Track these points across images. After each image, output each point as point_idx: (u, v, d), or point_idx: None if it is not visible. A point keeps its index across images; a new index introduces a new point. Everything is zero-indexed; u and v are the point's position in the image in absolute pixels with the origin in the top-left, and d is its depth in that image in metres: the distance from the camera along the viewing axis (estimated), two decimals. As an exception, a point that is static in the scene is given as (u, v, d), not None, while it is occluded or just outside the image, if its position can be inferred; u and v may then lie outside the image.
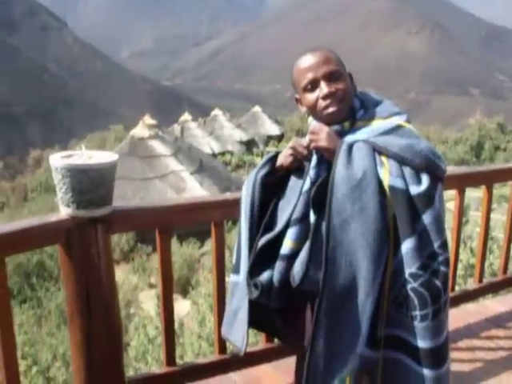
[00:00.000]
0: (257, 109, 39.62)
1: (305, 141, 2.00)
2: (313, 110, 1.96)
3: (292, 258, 1.95)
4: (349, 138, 1.92)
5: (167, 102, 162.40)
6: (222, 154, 30.90)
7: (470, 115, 38.30)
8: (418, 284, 1.83)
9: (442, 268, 1.86)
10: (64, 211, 2.26)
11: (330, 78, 1.91)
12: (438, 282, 1.85)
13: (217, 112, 36.66)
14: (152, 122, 18.55)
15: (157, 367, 5.60)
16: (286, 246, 1.96)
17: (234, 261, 2.19)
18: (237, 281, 2.17)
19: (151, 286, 12.30)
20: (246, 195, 2.12)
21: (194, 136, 31.26)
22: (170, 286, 2.63)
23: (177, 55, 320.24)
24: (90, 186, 2.19)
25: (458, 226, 3.73)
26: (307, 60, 1.95)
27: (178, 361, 2.93)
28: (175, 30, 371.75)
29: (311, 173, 1.94)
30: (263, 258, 2.02)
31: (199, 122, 35.83)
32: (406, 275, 1.84)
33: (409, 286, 1.84)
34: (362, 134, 1.92)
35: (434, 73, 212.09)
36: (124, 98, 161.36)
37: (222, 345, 2.89)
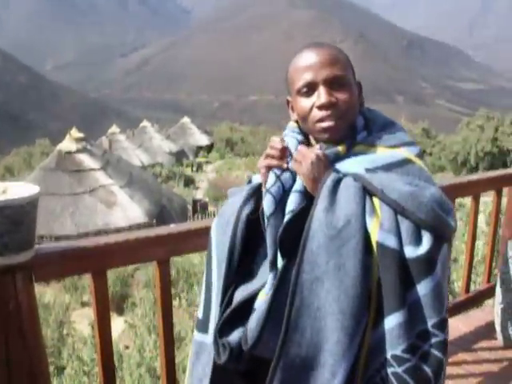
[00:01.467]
0: (185, 119, 39.69)
1: (277, 141, 1.60)
2: (304, 120, 1.56)
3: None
4: (340, 166, 1.52)
5: (94, 114, 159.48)
6: (152, 165, 30.43)
7: (396, 122, 39.22)
8: (402, 370, 1.40)
9: (436, 352, 1.42)
10: (-26, 259, 1.80)
11: (333, 84, 1.50)
12: (428, 370, 1.41)
13: (145, 123, 36.33)
14: (79, 135, 18.00)
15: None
16: (261, 298, 1.55)
17: (200, 315, 1.75)
18: (203, 341, 1.72)
19: (83, 304, 11.85)
20: (221, 236, 1.68)
21: (122, 148, 30.70)
22: (110, 334, 2.20)
23: (103, 66, 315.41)
24: (6, 226, 1.74)
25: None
26: (309, 56, 1.52)
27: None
28: (100, 40, 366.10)
29: (291, 198, 1.51)
30: (235, 314, 1.60)
31: (128, 134, 35.40)
32: (388, 356, 1.41)
33: (390, 370, 1.41)
34: (356, 164, 1.51)
35: (360, 81, 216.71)
36: (50, 111, 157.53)
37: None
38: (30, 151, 36.45)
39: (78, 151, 17.50)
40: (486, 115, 34.01)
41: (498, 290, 3.70)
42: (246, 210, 1.65)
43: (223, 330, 1.60)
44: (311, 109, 1.51)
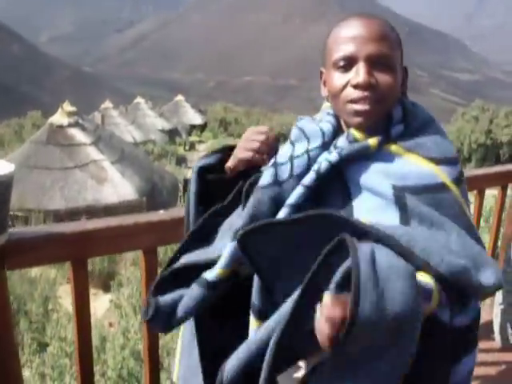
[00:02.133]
0: (180, 98, 39.46)
1: (264, 131, 1.41)
2: (335, 98, 1.34)
3: (214, 288, 1.34)
4: (364, 169, 1.29)
5: (88, 88, 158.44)
6: (144, 143, 30.24)
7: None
8: None
9: None
10: None
11: (376, 62, 1.28)
12: None
13: (139, 100, 36.06)
14: (72, 109, 17.77)
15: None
16: (214, 272, 1.35)
17: None
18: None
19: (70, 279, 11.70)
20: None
21: (115, 124, 30.44)
22: (89, 328, 2.02)
23: (98, 41, 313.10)
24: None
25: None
26: (354, 26, 1.31)
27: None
28: (96, 14, 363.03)
29: (297, 191, 1.29)
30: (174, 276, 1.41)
31: (121, 109, 35.12)
32: None
33: None
34: (383, 176, 1.28)
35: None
36: (43, 84, 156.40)
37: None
38: (21, 123, 36.05)
39: (70, 125, 17.28)
40: (481, 106, 33.97)
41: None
42: (200, 163, 1.48)
43: (158, 288, 1.41)
44: (345, 86, 1.31)
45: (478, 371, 3.32)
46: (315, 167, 1.30)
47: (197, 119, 38.34)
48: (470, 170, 7.60)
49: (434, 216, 1.23)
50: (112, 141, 19.04)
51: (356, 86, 1.29)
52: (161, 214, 2.05)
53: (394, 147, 1.33)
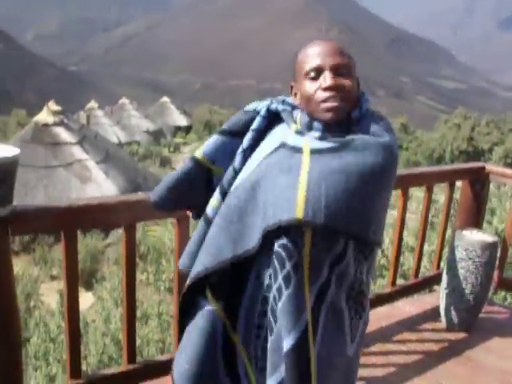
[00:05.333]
0: (165, 99, 39.37)
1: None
2: (308, 102, 1.70)
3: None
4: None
5: (73, 88, 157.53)
6: (129, 143, 30.35)
7: (376, 115, 39.61)
8: None
9: None
10: (-43, 211, 1.98)
11: (338, 70, 1.68)
12: None
13: (124, 101, 36.02)
14: (57, 108, 17.88)
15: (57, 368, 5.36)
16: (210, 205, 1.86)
17: None
18: None
19: (53, 277, 11.87)
20: None
21: (100, 124, 30.53)
22: (76, 292, 2.39)
23: (84, 40, 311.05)
24: (-12, 183, 1.93)
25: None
26: (318, 46, 1.71)
27: (83, 368, 2.72)
28: (83, 13, 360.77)
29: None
30: None
31: (106, 110, 35.15)
32: None
33: None
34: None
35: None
36: (28, 83, 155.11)
37: (131, 355, 2.70)
38: (6, 121, 36.01)
39: (55, 124, 17.33)
40: (464, 114, 34.55)
41: (445, 276, 3.96)
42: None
43: None
44: (316, 90, 1.67)
45: (423, 347, 3.72)
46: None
47: (182, 121, 38.33)
48: (419, 168, 8.12)
49: None
50: (97, 141, 19.14)
51: (325, 89, 1.66)
52: (139, 195, 2.45)
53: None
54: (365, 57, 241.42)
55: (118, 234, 14.24)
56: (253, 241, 1.64)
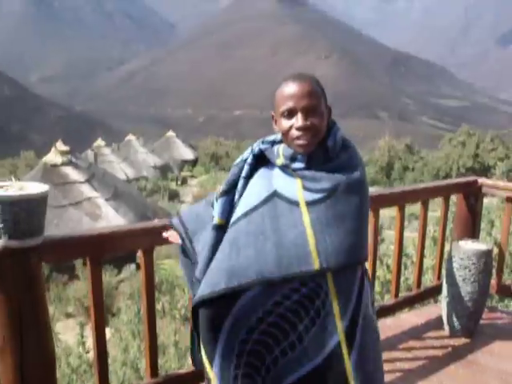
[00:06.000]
0: (170, 133, 39.60)
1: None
2: (285, 136, 2.01)
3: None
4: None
5: (79, 127, 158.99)
6: (137, 179, 30.63)
7: (379, 137, 39.79)
8: None
9: None
10: (-4, 242, 2.27)
11: (308, 111, 1.96)
12: None
13: (130, 137, 36.36)
14: (65, 148, 18.10)
15: None
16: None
17: None
18: None
19: (68, 315, 12.02)
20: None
21: (107, 162, 30.85)
22: (102, 315, 2.65)
23: (88, 80, 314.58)
24: (22, 216, 2.21)
25: (374, 245, 3.95)
26: (292, 88, 1.97)
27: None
28: (86, 53, 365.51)
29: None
30: None
31: (113, 147, 35.46)
32: None
33: None
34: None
35: (344, 96, 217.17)
36: (34, 124, 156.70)
37: (154, 368, 2.93)
38: (15, 163, 36.45)
39: (64, 164, 17.54)
40: (467, 131, 34.75)
41: (445, 285, 4.17)
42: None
43: None
44: (290, 128, 1.98)
45: (427, 354, 3.92)
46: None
47: (188, 154, 38.48)
48: (414, 185, 8.38)
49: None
50: (105, 178, 19.34)
51: (298, 129, 1.96)
52: (155, 222, 2.72)
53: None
54: (365, 80, 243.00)
55: (131, 269, 14.46)
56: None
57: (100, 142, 33.21)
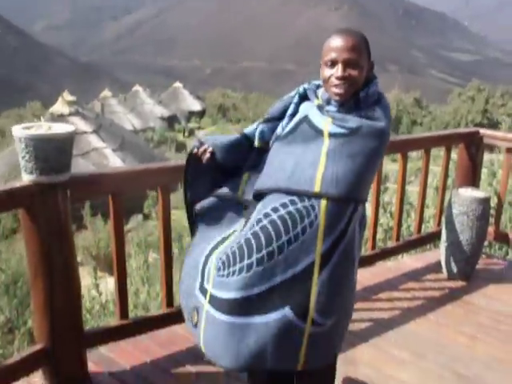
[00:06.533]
0: (177, 84, 39.38)
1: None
2: (325, 82, 2.23)
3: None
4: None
5: (86, 77, 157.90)
6: (144, 130, 30.71)
7: (388, 91, 39.50)
8: None
9: None
10: (27, 178, 2.46)
11: (348, 63, 2.16)
12: None
13: (137, 88, 36.23)
14: (71, 98, 18.16)
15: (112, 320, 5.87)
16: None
17: None
18: None
19: (78, 264, 12.29)
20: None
21: (114, 112, 30.91)
22: (123, 245, 2.87)
23: (94, 29, 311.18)
24: (53, 154, 2.40)
25: (376, 192, 4.14)
26: (336, 41, 2.19)
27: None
28: (91, 2, 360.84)
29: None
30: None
31: (120, 98, 35.38)
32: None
33: None
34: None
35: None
36: (40, 74, 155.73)
37: (169, 299, 3.18)
38: (21, 114, 36.37)
39: (71, 114, 17.59)
40: (477, 86, 34.52)
41: (444, 230, 4.38)
42: None
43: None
44: (331, 76, 2.19)
45: (425, 294, 4.15)
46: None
47: (195, 105, 38.30)
48: (418, 133, 8.46)
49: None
50: (112, 129, 19.47)
51: (336, 78, 2.17)
52: (170, 163, 2.94)
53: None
54: (376, 33, 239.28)
55: (138, 219, 14.71)
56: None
57: (107, 92, 33.20)
